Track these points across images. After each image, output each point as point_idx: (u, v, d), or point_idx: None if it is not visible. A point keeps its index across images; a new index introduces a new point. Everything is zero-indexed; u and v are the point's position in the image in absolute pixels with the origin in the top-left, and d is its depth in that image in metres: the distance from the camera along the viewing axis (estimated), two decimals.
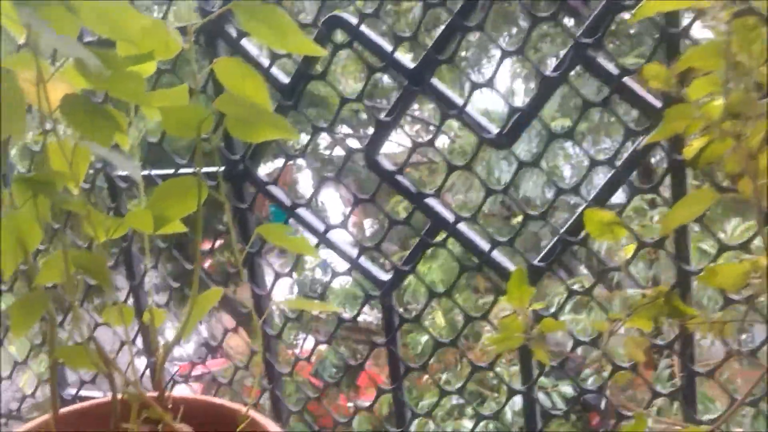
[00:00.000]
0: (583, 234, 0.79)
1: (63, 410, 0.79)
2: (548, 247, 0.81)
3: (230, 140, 0.93)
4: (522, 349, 0.87)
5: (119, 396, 0.66)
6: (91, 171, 1.13)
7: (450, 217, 0.84)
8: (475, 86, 0.82)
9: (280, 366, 1.06)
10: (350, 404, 2.42)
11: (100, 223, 0.66)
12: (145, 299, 1.08)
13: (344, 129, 4.00)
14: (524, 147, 3.01)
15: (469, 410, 2.81)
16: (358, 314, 1.01)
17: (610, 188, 0.77)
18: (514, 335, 0.71)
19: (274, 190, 0.91)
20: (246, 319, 1.16)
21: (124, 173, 1.07)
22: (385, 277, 0.91)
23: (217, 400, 0.84)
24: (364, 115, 3.78)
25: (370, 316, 3.63)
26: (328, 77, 0.90)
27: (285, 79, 0.89)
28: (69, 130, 0.63)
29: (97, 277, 0.67)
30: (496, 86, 0.85)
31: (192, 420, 0.78)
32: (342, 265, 0.93)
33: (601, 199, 0.77)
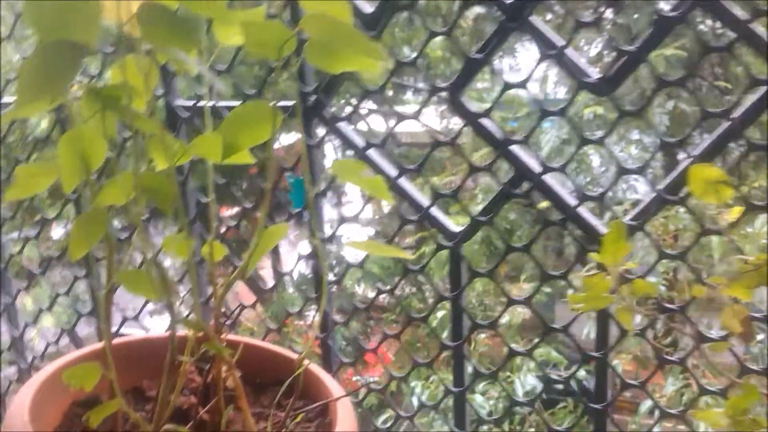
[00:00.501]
0: (683, 192, 0.72)
1: (115, 342, 0.78)
2: (642, 205, 0.74)
3: (301, 71, 0.88)
4: (600, 313, 0.82)
5: (177, 328, 0.64)
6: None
7: (536, 166, 0.78)
8: (579, 25, 0.75)
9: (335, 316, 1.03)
10: (357, 378, 2.37)
11: (166, 146, 0.62)
12: (197, 230, 1.04)
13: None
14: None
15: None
16: (424, 267, 0.95)
17: (721, 142, 0.70)
18: (601, 295, 0.65)
19: (344, 128, 0.86)
20: (266, 295, 1.14)
21: (187, 103, 1.03)
22: (456, 228, 0.86)
23: (272, 346, 0.81)
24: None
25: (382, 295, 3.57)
26: (415, 8, 0.83)
27: (369, 8, 0.83)
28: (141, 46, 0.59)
29: (162, 200, 0.63)
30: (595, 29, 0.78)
31: (244, 364, 0.75)
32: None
33: (709, 155, 0.70)
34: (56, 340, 1.43)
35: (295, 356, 0.78)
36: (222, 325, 0.68)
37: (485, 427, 2.69)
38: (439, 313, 2.56)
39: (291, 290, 3.86)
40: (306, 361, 0.70)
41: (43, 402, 0.66)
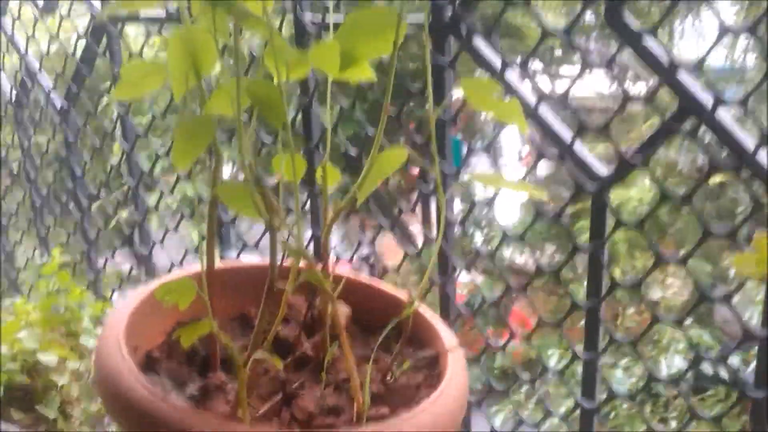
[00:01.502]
0: None
1: (223, 266, 0.75)
2: None
3: None
4: None
5: (280, 256, 0.59)
6: None
7: (707, 99, 0.66)
8: None
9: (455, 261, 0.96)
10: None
11: (283, 55, 0.56)
12: (319, 157, 1.00)
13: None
14: None
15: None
16: (562, 211, 0.85)
17: None
18: None
19: (482, 45, 0.77)
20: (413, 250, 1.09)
21: (315, 18, 0.98)
22: (603, 170, 0.76)
23: (381, 284, 0.76)
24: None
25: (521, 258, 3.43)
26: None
27: None
28: None
29: (271, 112, 0.58)
30: None
31: (354, 302, 0.70)
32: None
33: None
34: None
35: (408, 298, 0.72)
36: (328, 256, 0.63)
37: (623, 405, 2.57)
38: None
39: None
40: (416, 304, 0.64)
41: (143, 320, 0.64)
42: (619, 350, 2.56)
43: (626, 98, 0.72)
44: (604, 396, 0.88)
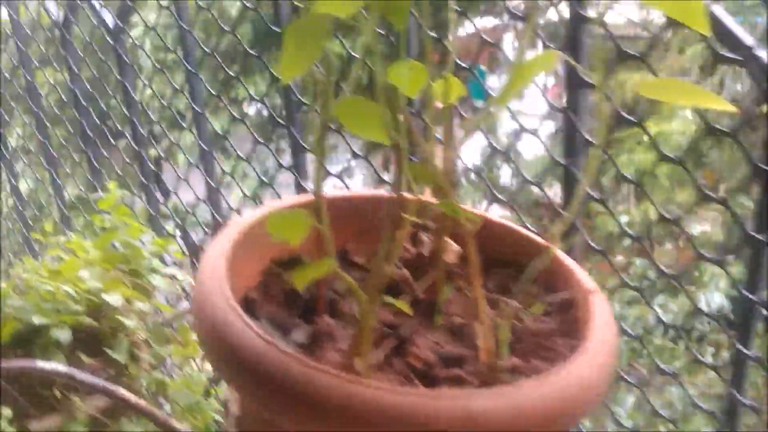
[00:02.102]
0: None
1: (330, 195, 0.68)
2: None
3: None
4: None
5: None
6: None
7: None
8: None
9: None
10: None
11: None
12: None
13: None
14: None
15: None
16: None
17: None
18: None
19: None
20: None
21: None
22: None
23: (512, 224, 0.68)
24: None
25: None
26: None
27: None
28: None
29: (392, 9, 0.49)
30: None
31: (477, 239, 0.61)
32: None
33: None
34: None
35: (535, 237, 0.64)
36: (454, 182, 0.55)
37: (657, 340, 2.54)
38: None
39: None
40: (553, 244, 0.55)
41: (239, 257, 0.57)
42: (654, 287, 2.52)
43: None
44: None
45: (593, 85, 0.78)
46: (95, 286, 0.98)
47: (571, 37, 0.79)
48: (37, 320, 0.88)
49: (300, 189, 1.31)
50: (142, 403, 0.64)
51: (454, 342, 0.58)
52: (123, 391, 0.66)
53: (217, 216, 1.43)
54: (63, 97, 1.85)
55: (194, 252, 1.45)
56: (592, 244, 0.85)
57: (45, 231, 1.32)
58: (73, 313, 0.93)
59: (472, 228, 0.49)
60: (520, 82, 0.50)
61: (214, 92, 1.45)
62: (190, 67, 1.40)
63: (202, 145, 1.41)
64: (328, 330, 0.57)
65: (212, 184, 1.42)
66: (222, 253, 0.55)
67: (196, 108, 1.40)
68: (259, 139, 1.29)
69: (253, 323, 0.49)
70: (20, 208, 2.16)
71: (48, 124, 1.95)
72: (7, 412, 0.83)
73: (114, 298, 0.96)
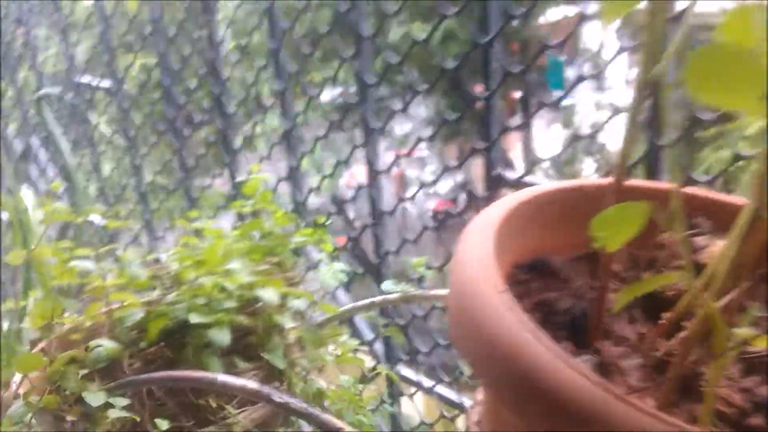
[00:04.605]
0: None
1: (533, 192, 0.56)
2: None
3: None
4: None
5: None
6: None
7: None
8: None
9: None
10: None
11: None
12: None
13: None
14: None
15: None
16: None
17: None
18: None
19: None
20: None
21: None
22: None
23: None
24: None
25: None
26: None
27: None
28: None
29: None
30: None
31: None
32: None
33: None
34: None
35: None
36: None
37: None
38: None
39: None
40: None
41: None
42: None
43: None
44: None
45: None
46: (248, 279, 0.88)
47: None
48: (194, 319, 0.79)
49: (372, 174, 1.22)
50: (330, 418, 0.54)
51: (753, 378, 0.45)
52: (310, 408, 0.56)
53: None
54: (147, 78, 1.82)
55: None
56: None
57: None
58: (228, 311, 0.84)
59: None
60: None
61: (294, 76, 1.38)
62: (273, 46, 1.32)
63: (283, 126, 1.33)
64: (614, 361, 0.45)
65: (294, 163, 1.33)
66: (487, 242, 0.44)
67: (278, 88, 1.31)
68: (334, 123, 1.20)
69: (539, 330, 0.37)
70: (101, 193, 2.16)
71: (129, 108, 1.93)
72: (164, 424, 0.75)
73: (270, 294, 0.86)
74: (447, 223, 1.15)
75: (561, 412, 0.33)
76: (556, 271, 0.53)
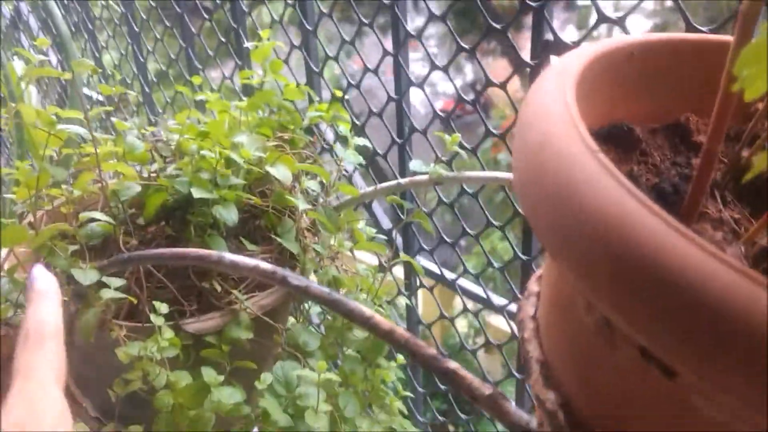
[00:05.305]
0: None
1: (614, 43, 0.47)
2: None
3: None
4: None
5: None
6: None
7: None
8: None
9: None
10: None
11: None
12: None
13: None
14: None
15: None
16: None
17: None
18: None
19: None
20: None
21: None
22: None
23: None
24: None
25: None
26: None
27: None
28: None
29: None
30: None
31: None
32: None
33: None
34: None
35: None
36: None
37: None
38: None
39: None
40: None
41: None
42: None
43: None
44: None
45: None
46: (258, 154, 0.79)
47: None
48: (197, 194, 0.71)
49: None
50: (363, 309, 0.46)
51: None
52: (338, 296, 0.48)
53: None
54: None
55: None
56: None
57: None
58: (235, 188, 0.75)
59: None
60: None
61: None
62: None
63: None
64: (721, 247, 0.37)
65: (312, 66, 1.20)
66: (568, 103, 0.35)
67: None
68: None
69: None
70: (103, 81, 2.04)
71: None
72: (163, 307, 0.68)
73: (282, 172, 0.77)
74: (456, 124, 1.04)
75: (685, 298, 0.25)
76: (636, 142, 0.45)
